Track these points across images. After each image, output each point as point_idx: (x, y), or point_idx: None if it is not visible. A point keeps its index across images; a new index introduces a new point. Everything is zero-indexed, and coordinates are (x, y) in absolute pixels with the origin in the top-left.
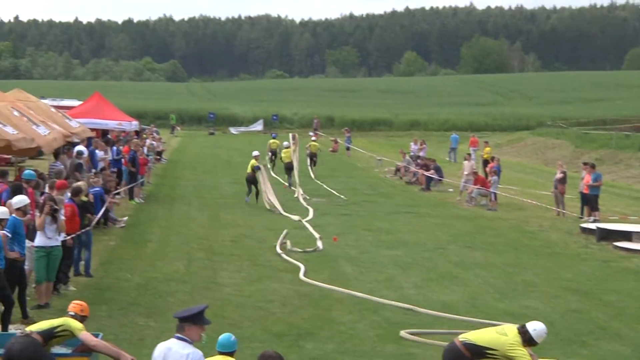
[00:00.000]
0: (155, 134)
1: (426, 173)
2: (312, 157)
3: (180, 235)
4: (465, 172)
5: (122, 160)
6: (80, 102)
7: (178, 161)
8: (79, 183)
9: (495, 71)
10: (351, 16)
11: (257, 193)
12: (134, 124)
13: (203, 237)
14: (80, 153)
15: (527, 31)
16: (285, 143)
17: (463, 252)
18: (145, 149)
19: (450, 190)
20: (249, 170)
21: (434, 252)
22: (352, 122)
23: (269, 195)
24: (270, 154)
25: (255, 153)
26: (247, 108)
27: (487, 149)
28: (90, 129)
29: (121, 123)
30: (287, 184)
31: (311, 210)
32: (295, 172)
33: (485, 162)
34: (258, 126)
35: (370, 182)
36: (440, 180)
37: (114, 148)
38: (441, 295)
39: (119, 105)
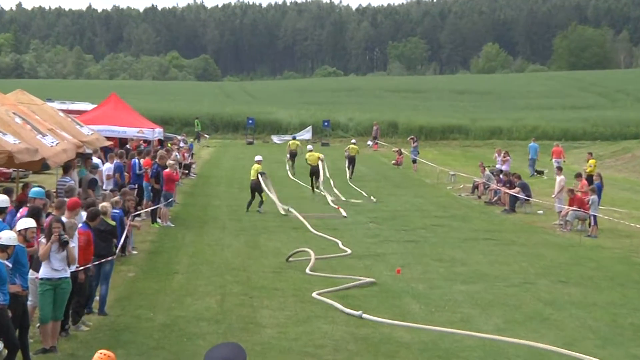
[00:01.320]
0: (182, 143)
1: (510, 191)
2: (351, 160)
3: (212, 266)
4: (557, 190)
5: (144, 175)
6: (94, 106)
7: (210, 176)
8: (104, 204)
9: (595, 67)
10: (419, 2)
11: (261, 202)
12: (157, 132)
13: (239, 267)
14: (95, 167)
15: (635, 18)
16: (310, 147)
17: (556, 288)
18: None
19: (540, 212)
20: (252, 176)
21: (519, 288)
22: (419, 129)
23: (275, 199)
24: (289, 156)
25: (258, 158)
26: (292, 112)
27: (591, 161)
28: (106, 137)
29: (142, 130)
30: (319, 189)
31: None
32: (321, 185)
33: (590, 179)
34: (306, 134)
35: (441, 201)
36: (527, 200)
37: (135, 161)
38: (529, 340)
39: (139, 110)
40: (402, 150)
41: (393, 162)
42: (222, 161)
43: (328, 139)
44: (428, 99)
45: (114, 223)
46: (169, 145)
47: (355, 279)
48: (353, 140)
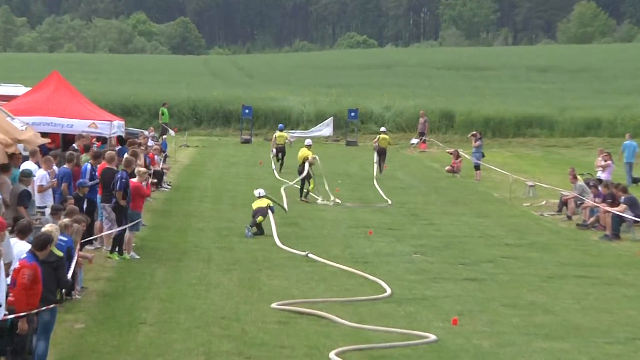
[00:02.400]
0: (151, 142)
1: (613, 209)
2: (381, 153)
3: (192, 314)
4: None
5: (97, 186)
6: (28, 89)
7: (190, 188)
8: (49, 228)
9: None
10: None
11: (306, 192)
12: (116, 126)
13: (231, 316)
14: (27, 174)
15: None
16: (308, 141)
17: None
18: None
19: None
20: (254, 206)
21: (626, 346)
22: (484, 121)
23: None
24: (275, 150)
25: (260, 192)
26: (306, 98)
27: None
28: (42, 133)
29: (95, 124)
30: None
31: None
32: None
33: None
34: (325, 129)
35: (514, 223)
36: (637, 221)
37: (86, 167)
38: None
39: (91, 95)
40: (460, 151)
41: (447, 168)
42: (208, 167)
43: (356, 135)
44: (497, 80)
45: (61, 254)
46: (139, 142)
47: (394, 332)
48: (383, 129)
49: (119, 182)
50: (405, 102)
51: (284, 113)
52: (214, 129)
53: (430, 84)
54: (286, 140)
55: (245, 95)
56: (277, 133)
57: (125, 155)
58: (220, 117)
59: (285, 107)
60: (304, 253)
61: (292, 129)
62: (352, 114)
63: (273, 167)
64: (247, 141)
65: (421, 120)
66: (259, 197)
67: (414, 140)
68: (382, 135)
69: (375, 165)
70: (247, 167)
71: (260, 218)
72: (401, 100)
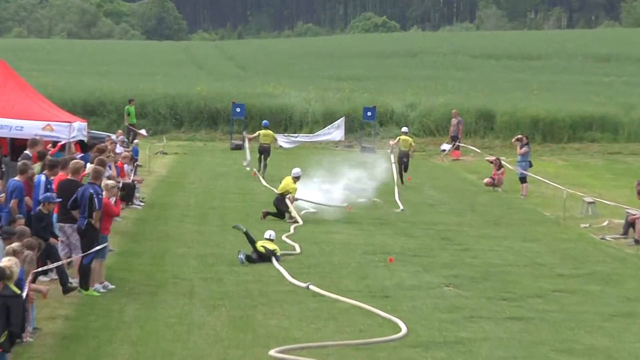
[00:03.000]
0: (119, 149)
1: None
2: (403, 158)
3: None
4: None
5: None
6: None
7: (168, 205)
8: (6, 263)
9: None
10: None
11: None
12: (77, 128)
13: None
14: None
15: None
16: (296, 171)
17: None
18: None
19: None
20: (258, 246)
21: None
22: (532, 122)
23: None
24: (259, 154)
25: (271, 234)
26: (311, 94)
27: None
28: None
29: (51, 125)
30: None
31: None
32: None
33: None
34: (335, 132)
35: (569, 249)
36: None
37: (40, 179)
38: None
39: (46, 89)
40: (503, 160)
41: (486, 180)
42: (190, 179)
43: (373, 140)
44: (548, 71)
45: (19, 291)
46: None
47: None
48: (404, 129)
49: (96, 200)
50: (434, 99)
51: (284, 112)
52: (197, 132)
53: (465, 76)
54: (278, 143)
55: (237, 91)
56: (261, 131)
57: (94, 165)
58: (205, 117)
59: (285, 105)
60: (304, 284)
61: (294, 133)
62: (369, 113)
63: (259, 175)
64: (238, 147)
65: (454, 121)
66: (268, 240)
67: (445, 147)
68: (403, 137)
69: (395, 175)
70: (238, 179)
71: (265, 244)
72: (429, 97)
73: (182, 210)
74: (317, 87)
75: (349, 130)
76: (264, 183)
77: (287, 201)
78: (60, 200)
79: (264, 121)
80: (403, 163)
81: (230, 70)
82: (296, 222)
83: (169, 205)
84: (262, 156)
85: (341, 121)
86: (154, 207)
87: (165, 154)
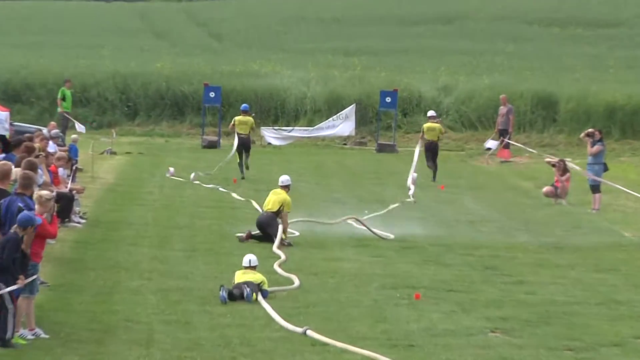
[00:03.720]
0: (52, 147)
1: None
2: (430, 148)
3: None
4: None
5: None
6: None
7: (118, 223)
8: None
9: None
10: None
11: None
12: None
13: None
14: None
15: None
16: (285, 178)
17: None
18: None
19: None
20: (237, 279)
21: None
22: (607, 111)
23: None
24: (235, 145)
25: (251, 260)
26: (311, 73)
27: None
28: None
29: None
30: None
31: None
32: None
33: None
34: (343, 125)
35: None
36: None
37: None
38: None
39: None
40: (568, 161)
41: (546, 189)
42: (147, 187)
43: (393, 135)
44: (628, 43)
45: None
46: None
47: None
48: (431, 113)
49: (26, 217)
50: (475, 80)
51: (274, 97)
52: (157, 125)
53: (517, 50)
54: (266, 139)
55: (210, 69)
56: (238, 117)
57: (21, 170)
58: (167, 105)
59: (276, 87)
60: (300, 329)
61: (287, 125)
62: (388, 99)
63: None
64: (212, 144)
65: (502, 110)
66: (249, 267)
67: (491, 144)
68: (429, 124)
69: (430, 168)
70: (211, 192)
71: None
72: (469, 78)
73: (137, 230)
74: (318, 63)
75: (361, 121)
76: (235, 196)
77: (281, 221)
78: None
79: (243, 105)
80: (430, 158)
81: (202, 41)
82: (288, 244)
83: (119, 223)
84: (242, 150)
85: (351, 110)
86: (100, 226)
87: (114, 153)
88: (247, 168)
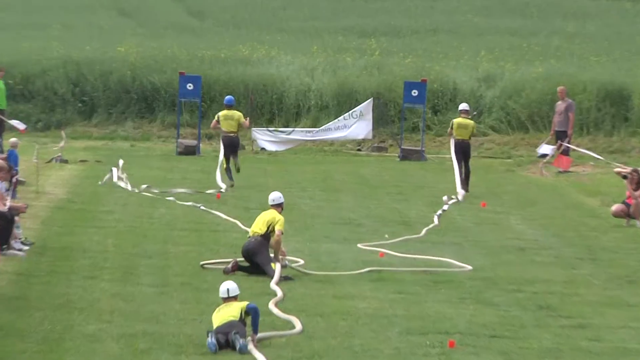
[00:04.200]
0: None
1: None
2: (462, 149)
3: None
4: None
5: None
6: None
7: (69, 249)
8: None
9: None
10: None
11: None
12: None
13: None
14: None
15: None
16: (275, 196)
17: None
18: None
19: None
20: (216, 320)
21: None
22: None
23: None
24: (223, 146)
25: (229, 289)
26: (316, 60)
27: None
28: None
29: None
30: None
31: None
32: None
33: None
34: (357, 124)
35: None
36: None
37: None
38: None
39: None
40: None
41: (615, 207)
42: (107, 204)
43: (421, 138)
44: None
45: None
46: None
47: None
48: (463, 106)
49: None
50: (526, 67)
51: (269, 90)
52: (120, 125)
53: (578, 29)
54: (258, 144)
55: (188, 54)
56: (223, 112)
57: None
58: (133, 99)
59: (272, 77)
60: None
61: (285, 126)
62: (414, 92)
63: (218, 177)
64: (189, 150)
65: (560, 105)
66: (228, 299)
67: (546, 149)
68: (460, 119)
69: (457, 172)
70: (189, 207)
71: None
72: (517, 65)
73: (94, 259)
74: (324, 47)
75: (379, 121)
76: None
77: (274, 243)
78: None
79: (227, 97)
80: (460, 163)
81: (177, 19)
82: (285, 265)
83: (72, 250)
84: (229, 151)
85: (367, 106)
86: (47, 254)
87: (65, 162)
88: (238, 171)
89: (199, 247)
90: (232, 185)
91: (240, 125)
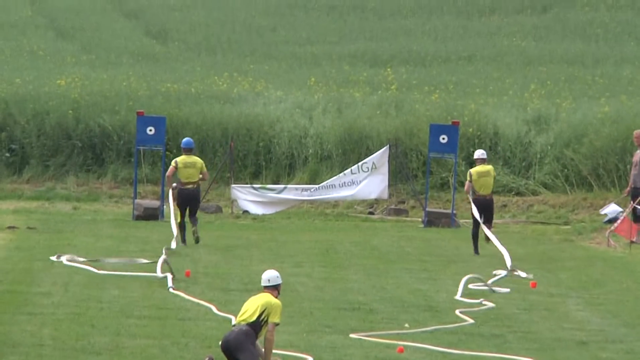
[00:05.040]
0: None
1: None
2: (485, 206)
3: None
4: None
5: None
6: None
7: None
8: None
9: None
10: None
11: None
12: None
13: None
14: None
15: None
16: (270, 275)
17: None
18: None
19: None
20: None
21: None
22: None
23: None
24: (180, 201)
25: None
26: (314, 97)
27: None
28: None
29: None
30: None
31: None
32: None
33: None
34: (368, 180)
35: None
36: None
37: None
38: None
39: None
40: None
41: None
42: (42, 285)
43: (452, 198)
44: None
45: None
46: None
47: None
48: (479, 154)
49: None
50: (589, 105)
51: (255, 135)
52: (60, 181)
53: None
54: (240, 204)
55: (147, 88)
56: (181, 158)
57: None
58: (77, 147)
59: (258, 118)
60: None
61: (276, 182)
62: (443, 138)
63: (172, 243)
64: (149, 213)
65: (638, 155)
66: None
67: (611, 210)
68: (478, 168)
69: (496, 240)
70: (150, 287)
71: None
72: (578, 101)
73: (27, 356)
74: (325, 78)
75: (398, 175)
76: (184, 295)
77: (267, 340)
78: None
79: (186, 139)
80: (486, 213)
81: (134, 42)
82: None
83: None
84: (185, 204)
85: (381, 156)
86: None
87: None
88: (197, 241)
89: (162, 339)
90: (183, 242)
91: (202, 175)
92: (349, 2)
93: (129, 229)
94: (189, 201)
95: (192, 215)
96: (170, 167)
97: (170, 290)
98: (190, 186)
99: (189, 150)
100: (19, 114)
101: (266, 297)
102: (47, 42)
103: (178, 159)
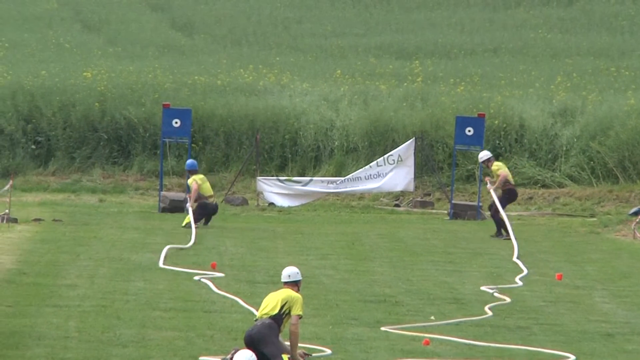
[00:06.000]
0: None
1: None
2: (513, 193)
3: None
4: None
5: None
6: None
7: (20, 336)
8: None
9: None
10: None
11: None
12: None
13: None
14: None
15: None
16: (290, 272)
17: None
18: None
19: None
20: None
21: None
22: None
23: None
24: (205, 214)
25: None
26: (339, 90)
27: None
28: None
29: None
30: None
31: None
32: None
33: None
34: (394, 173)
35: None
36: None
37: None
38: None
39: None
40: None
41: None
42: (68, 277)
43: (477, 189)
44: None
45: None
46: None
47: None
48: (485, 155)
49: None
50: (615, 98)
51: (281, 127)
52: (85, 173)
53: None
54: (265, 197)
55: (173, 81)
56: (198, 176)
57: None
58: (103, 139)
59: (283, 110)
60: None
61: (301, 174)
62: (469, 130)
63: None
64: (175, 206)
65: None
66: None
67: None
68: (497, 166)
69: (505, 225)
70: (176, 279)
71: None
72: (604, 94)
73: (52, 348)
74: (351, 71)
75: (424, 168)
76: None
77: (292, 333)
78: None
79: (189, 161)
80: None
81: (160, 35)
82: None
83: (23, 336)
84: (203, 216)
85: (407, 149)
86: None
87: (14, 221)
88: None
89: (188, 332)
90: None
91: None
92: None
93: (155, 221)
94: (212, 213)
95: (208, 220)
96: (193, 186)
97: (200, 280)
98: (211, 199)
99: (194, 172)
100: (45, 106)
101: (286, 292)
102: (73, 34)
103: (195, 177)
